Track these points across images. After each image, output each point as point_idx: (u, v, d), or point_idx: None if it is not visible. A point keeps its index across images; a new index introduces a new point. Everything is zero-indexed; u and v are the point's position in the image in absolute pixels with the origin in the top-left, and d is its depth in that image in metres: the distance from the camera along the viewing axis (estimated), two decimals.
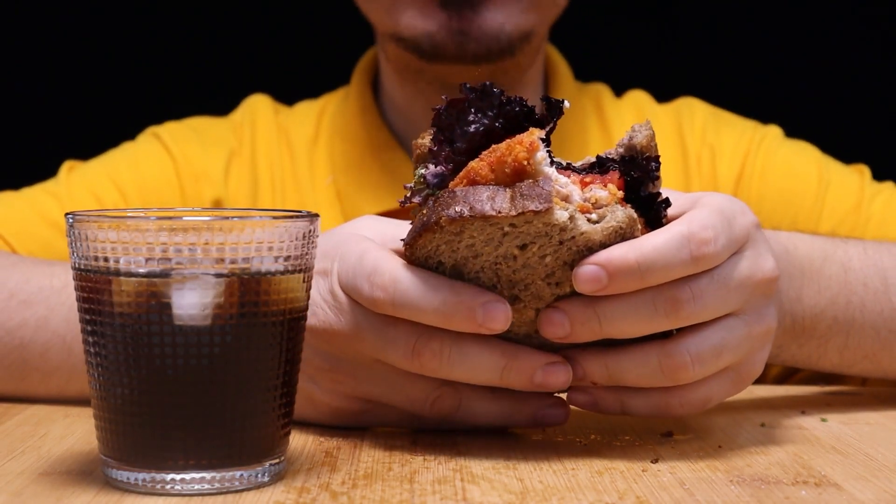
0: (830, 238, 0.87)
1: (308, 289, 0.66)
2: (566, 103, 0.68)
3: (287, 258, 0.64)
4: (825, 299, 0.83)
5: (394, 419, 0.76)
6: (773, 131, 1.17)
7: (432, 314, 0.68)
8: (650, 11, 1.72)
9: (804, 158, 1.15)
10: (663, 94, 1.22)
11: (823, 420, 0.82)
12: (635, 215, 0.68)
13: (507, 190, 0.65)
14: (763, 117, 1.20)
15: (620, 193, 0.68)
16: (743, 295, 0.71)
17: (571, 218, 0.66)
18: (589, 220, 0.67)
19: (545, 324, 0.69)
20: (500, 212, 0.65)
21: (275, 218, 0.64)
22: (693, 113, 1.19)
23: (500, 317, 0.67)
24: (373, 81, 1.20)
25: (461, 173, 0.67)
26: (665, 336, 0.70)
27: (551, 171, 0.66)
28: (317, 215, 0.66)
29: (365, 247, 0.71)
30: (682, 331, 0.70)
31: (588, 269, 0.67)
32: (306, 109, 1.21)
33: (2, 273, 0.88)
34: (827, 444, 0.75)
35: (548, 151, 0.66)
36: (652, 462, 0.69)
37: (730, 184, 1.14)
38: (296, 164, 1.17)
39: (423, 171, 0.69)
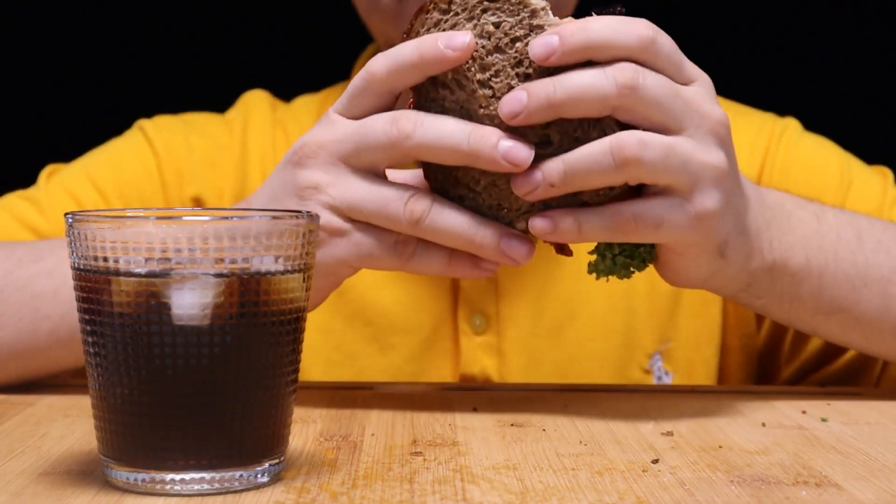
0: (804, 198, 0.89)
1: (308, 288, 0.66)
2: None
3: (287, 258, 0.64)
4: (796, 238, 0.84)
5: (374, 241, 0.77)
6: (793, 124, 1.15)
7: (460, 139, 0.73)
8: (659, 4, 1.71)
9: (825, 156, 1.13)
10: None
11: (824, 420, 0.81)
12: None
13: None
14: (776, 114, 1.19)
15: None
16: (687, 109, 0.75)
17: (544, 9, 0.74)
18: None
19: (505, 103, 0.72)
20: None
21: (275, 218, 0.64)
22: None
23: (522, 153, 0.73)
24: None
25: None
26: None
27: None
28: (317, 215, 0.66)
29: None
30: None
31: (542, 37, 0.73)
32: (306, 104, 1.21)
33: (8, 247, 0.92)
34: (827, 444, 0.75)
35: None
36: (652, 462, 0.69)
37: (751, 179, 1.13)
38: None
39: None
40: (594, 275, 0.79)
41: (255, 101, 1.19)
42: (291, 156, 0.79)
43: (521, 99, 0.72)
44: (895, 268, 0.88)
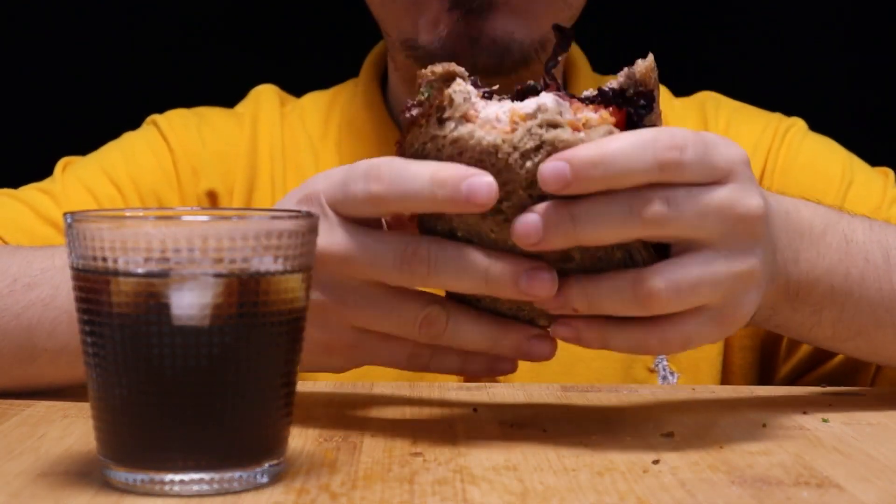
0: (836, 209, 0.86)
1: (308, 288, 0.66)
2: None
3: (287, 258, 0.63)
4: (823, 266, 0.82)
5: (385, 355, 0.77)
6: (798, 124, 1.14)
7: (422, 186, 0.69)
8: (667, 7, 1.71)
9: (827, 156, 1.13)
10: (677, 91, 1.21)
11: (825, 421, 0.81)
12: (618, 132, 0.69)
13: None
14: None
15: (613, 119, 0.69)
16: (723, 224, 0.70)
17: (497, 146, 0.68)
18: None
19: (519, 228, 0.68)
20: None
21: (274, 217, 0.64)
22: (718, 108, 1.16)
23: (483, 189, 0.67)
24: (381, 74, 1.19)
25: None
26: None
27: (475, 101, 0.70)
28: (317, 215, 0.66)
29: (349, 164, 0.73)
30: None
31: (552, 164, 0.67)
32: (315, 100, 1.21)
33: (3, 261, 0.88)
34: (829, 444, 0.75)
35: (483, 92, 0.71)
36: (653, 463, 0.69)
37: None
38: (300, 157, 1.16)
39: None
40: None
41: (265, 96, 1.20)
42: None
43: (536, 229, 0.68)
44: None
